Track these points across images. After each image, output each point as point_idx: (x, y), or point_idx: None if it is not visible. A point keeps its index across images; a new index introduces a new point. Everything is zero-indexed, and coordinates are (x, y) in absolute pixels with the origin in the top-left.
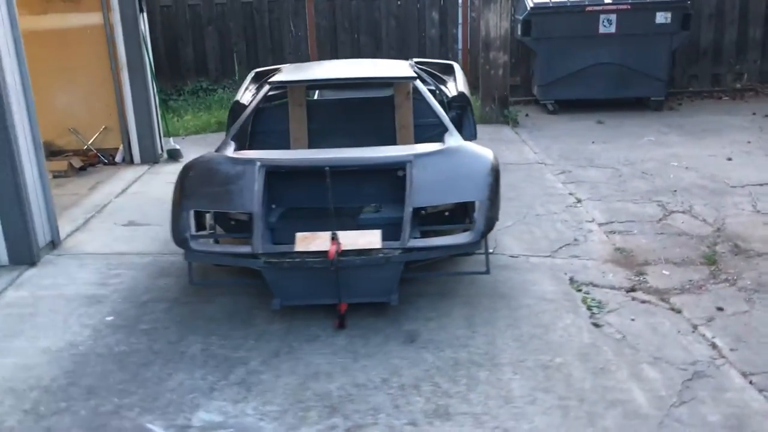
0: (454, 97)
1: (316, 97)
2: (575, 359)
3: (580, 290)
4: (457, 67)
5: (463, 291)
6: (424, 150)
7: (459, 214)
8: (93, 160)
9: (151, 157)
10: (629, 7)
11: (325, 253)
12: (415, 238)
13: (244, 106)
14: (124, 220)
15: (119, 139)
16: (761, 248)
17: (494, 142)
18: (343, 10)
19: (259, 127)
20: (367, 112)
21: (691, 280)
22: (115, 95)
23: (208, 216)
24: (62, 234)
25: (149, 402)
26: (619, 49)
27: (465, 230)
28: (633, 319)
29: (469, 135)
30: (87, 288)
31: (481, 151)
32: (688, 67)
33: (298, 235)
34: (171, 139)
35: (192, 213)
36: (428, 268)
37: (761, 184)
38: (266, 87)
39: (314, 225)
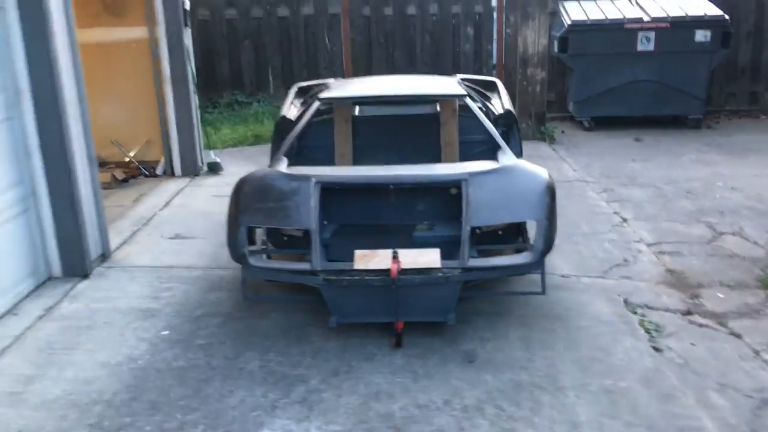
0: (500, 114)
1: (356, 113)
2: (639, 384)
3: (635, 312)
4: (499, 83)
5: (517, 311)
6: (479, 168)
7: (511, 233)
8: (134, 172)
9: (192, 170)
10: (669, 25)
11: (385, 271)
12: (473, 257)
13: (290, 121)
14: (170, 233)
15: (160, 152)
16: None
17: (532, 159)
18: (378, 25)
19: (303, 142)
20: (411, 128)
21: (747, 304)
22: (158, 108)
23: (258, 231)
24: (111, 246)
25: (213, 419)
26: (657, 67)
27: (517, 250)
28: (693, 344)
29: (516, 153)
30: (140, 301)
31: (537, 170)
32: (726, 85)
33: (357, 252)
34: (211, 152)
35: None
36: (481, 287)
37: None
38: (317, 103)
39: (367, 242)
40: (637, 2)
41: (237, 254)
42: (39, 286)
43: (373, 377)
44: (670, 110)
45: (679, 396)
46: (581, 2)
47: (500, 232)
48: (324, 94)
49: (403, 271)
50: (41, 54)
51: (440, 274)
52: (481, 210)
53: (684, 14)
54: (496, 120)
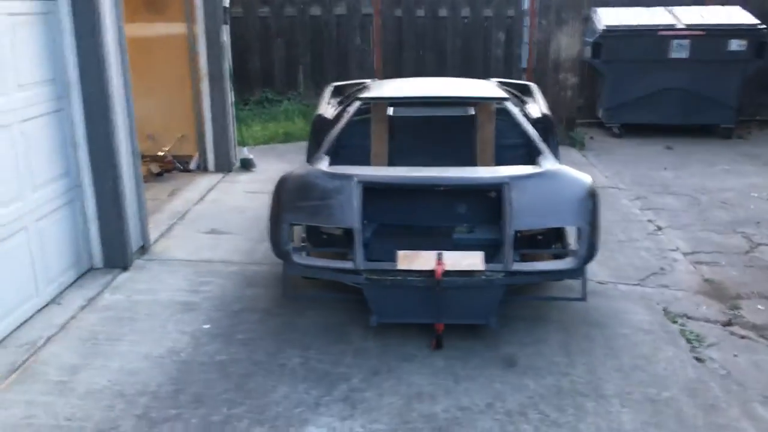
0: (538, 118)
1: (390, 113)
2: (683, 394)
3: (675, 322)
4: (535, 88)
5: (555, 316)
6: (521, 172)
7: (551, 238)
8: (169, 167)
9: (225, 166)
10: (704, 33)
11: (429, 272)
12: (516, 261)
13: (327, 120)
14: (206, 228)
15: (194, 147)
16: None
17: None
18: (410, 26)
19: (339, 141)
20: (446, 130)
21: None
22: (193, 104)
23: (297, 229)
24: (150, 239)
25: (257, 414)
26: (690, 75)
27: (556, 255)
28: (736, 355)
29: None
30: (179, 294)
31: (580, 175)
32: (757, 95)
33: (400, 253)
34: (245, 148)
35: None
36: (521, 291)
37: None
38: (357, 102)
39: (408, 242)
40: (671, 9)
41: (280, 251)
42: (81, 277)
43: (414, 378)
44: (701, 119)
45: (724, 407)
46: (615, 8)
47: (540, 237)
48: (366, 94)
49: (447, 273)
50: (91, 48)
51: (483, 277)
52: (525, 214)
53: (720, 22)
54: (533, 125)
